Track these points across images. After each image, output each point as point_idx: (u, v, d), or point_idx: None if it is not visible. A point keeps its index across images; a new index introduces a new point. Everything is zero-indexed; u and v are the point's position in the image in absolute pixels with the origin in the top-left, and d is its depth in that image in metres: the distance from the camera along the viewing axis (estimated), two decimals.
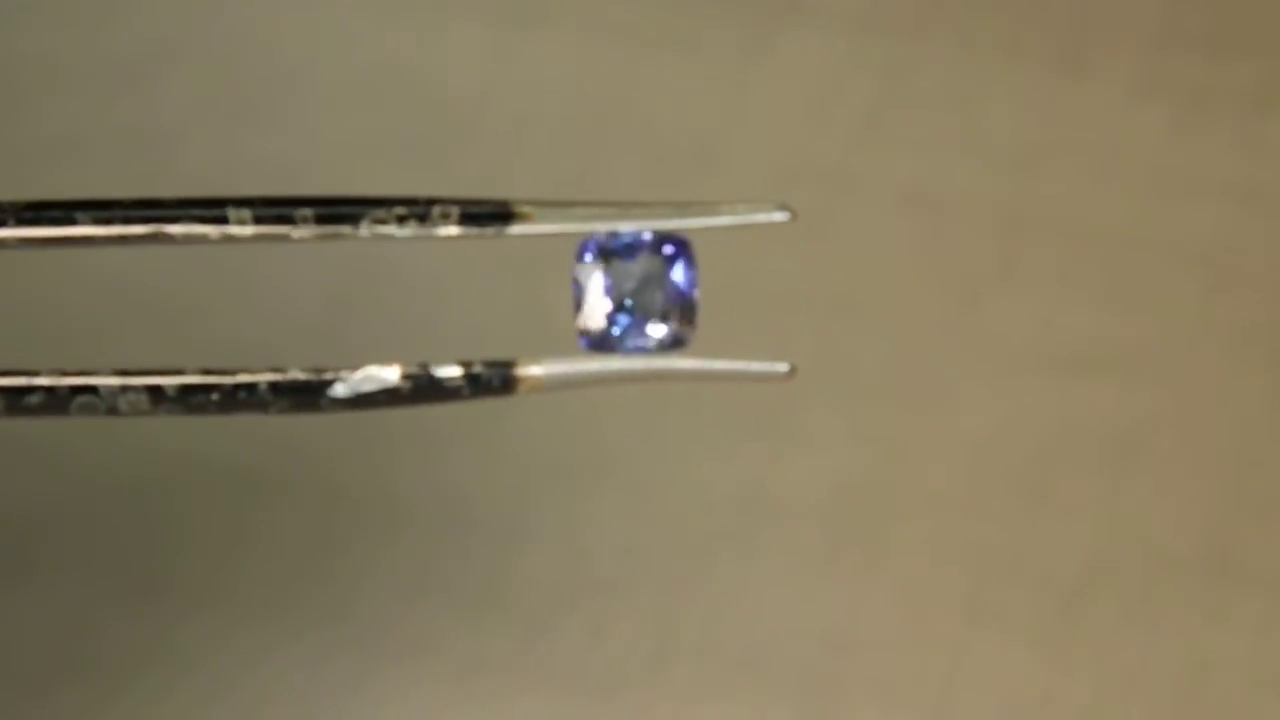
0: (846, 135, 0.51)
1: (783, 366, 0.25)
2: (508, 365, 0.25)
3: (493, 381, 0.25)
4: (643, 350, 0.25)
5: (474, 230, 0.25)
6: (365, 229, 0.25)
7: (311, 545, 0.48)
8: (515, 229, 0.25)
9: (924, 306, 0.50)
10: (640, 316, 0.25)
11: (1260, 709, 0.46)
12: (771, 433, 0.48)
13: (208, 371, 0.25)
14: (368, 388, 0.25)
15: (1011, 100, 0.52)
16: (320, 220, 0.25)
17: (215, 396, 0.25)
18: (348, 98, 0.52)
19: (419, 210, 0.25)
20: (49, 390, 0.25)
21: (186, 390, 0.25)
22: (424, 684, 0.47)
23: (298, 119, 0.51)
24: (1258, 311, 0.49)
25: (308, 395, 0.25)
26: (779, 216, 0.25)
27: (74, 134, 0.51)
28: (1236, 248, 0.50)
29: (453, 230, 0.25)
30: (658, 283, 0.25)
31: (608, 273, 0.25)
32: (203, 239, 0.25)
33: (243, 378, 0.25)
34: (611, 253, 0.25)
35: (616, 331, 0.25)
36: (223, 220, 0.25)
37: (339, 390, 0.25)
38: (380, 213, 0.25)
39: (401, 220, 0.25)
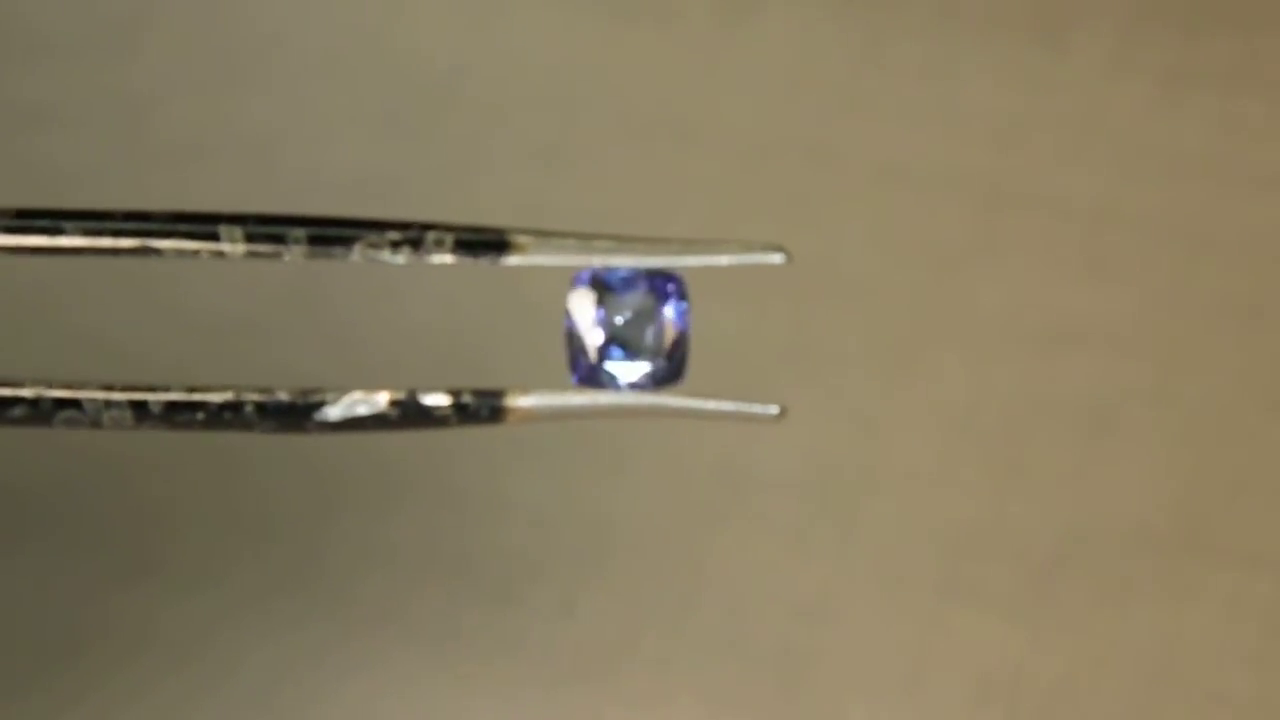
0: (825, 108, 0.51)
1: (773, 409, 0.25)
2: (497, 395, 0.25)
3: (481, 411, 0.25)
4: (633, 386, 0.25)
5: (468, 259, 0.25)
6: (358, 253, 0.25)
7: (281, 516, 0.48)
8: (511, 260, 0.25)
9: (901, 279, 0.50)
10: (632, 351, 0.25)
11: (1232, 683, 0.47)
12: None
13: (193, 389, 0.25)
14: (354, 412, 0.25)
15: (991, 74, 0.51)
16: (313, 241, 0.25)
17: (200, 415, 0.25)
18: (325, 66, 0.51)
19: (413, 236, 0.25)
20: (33, 403, 0.24)
21: (172, 407, 0.25)
22: (394, 654, 0.47)
23: (275, 86, 0.51)
24: (1234, 286, 0.50)
25: (294, 417, 0.25)
26: (775, 258, 0.24)
27: (53, 98, 0.50)
28: (1213, 222, 0.50)
29: (447, 258, 0.25)
30: (650, 318, 0.25)
31: (601, 305, 0.25)
32: (192, 255, 0.25)
33: (229, 396, 0.25)
34: (606, 286, 0.25)
35: (607, 365, 0.25)
36: (214, 237, 0.25)
37: (326, 414, 0.25)
38: (374, 237, 0.25)
39: (395, 246, 0.25)
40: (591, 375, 0.25)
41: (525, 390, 0.25)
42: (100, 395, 0.24)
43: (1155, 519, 0.48)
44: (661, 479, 0.48)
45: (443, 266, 0.25)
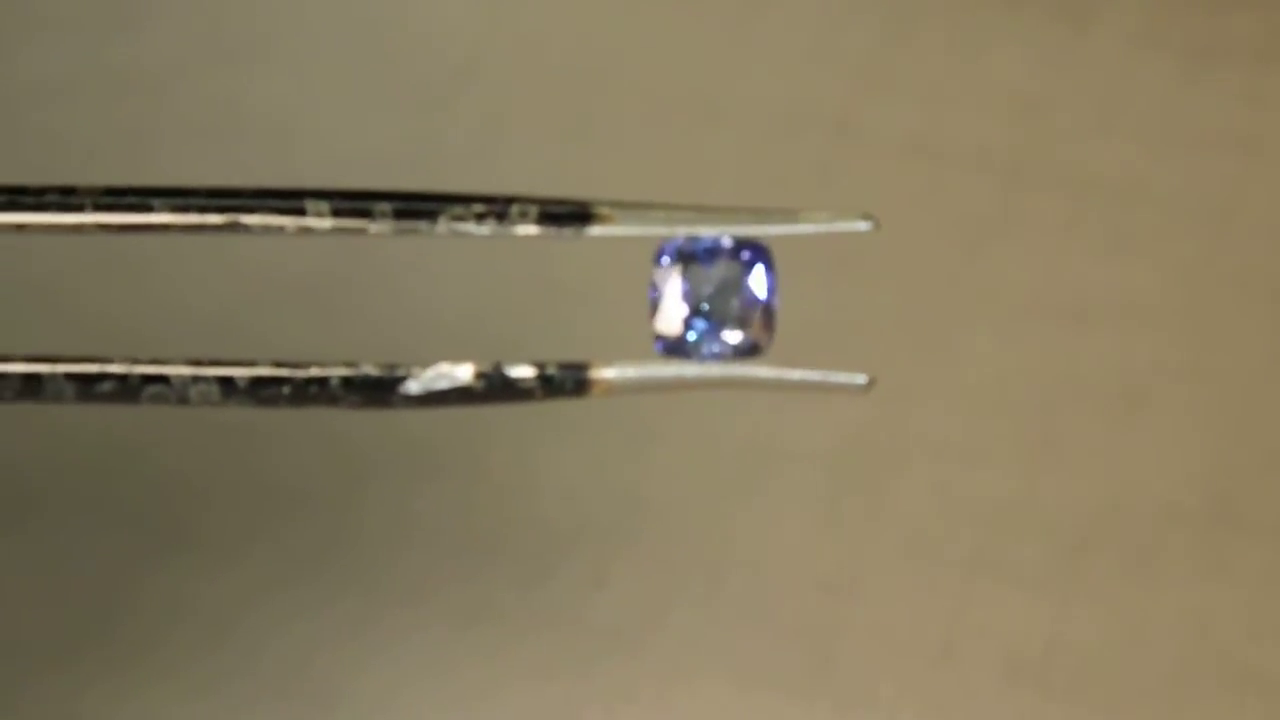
0: (848, 84, 0.51)
1: (861, 378, 0.25)
2: (581, 367, 0.25)
3: (566, 383, 0.25)
4: (718, 357, 0.25)
5: (552, 230, 0.25)
6: (443, 225, 0.25)
7: (311, 491, 0.48)
8: (594, 230, 0.25)
9: (927, 256, 0.50)
10: (717, 322, 0.25)
11: (1262, 659, 0.47)
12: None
13: (280, 364, 0.25)
14: (440, 385, 0.25)
15: (1014, 50, 0.51)
16: (398, 215, 0.25)
17: (286, 390, 0.25)
18: (341, 45, 0.51)
19: (497, 208, 0.25)
20: (121, 379, 0.24)
21: (258, 382, 0.25)
22: (424, 629, 0.47)
23: (290, 65, 0.51)
24: (1260, 261, 0.50)
25: (379, 392, 0.25)
26: (862, 226, 0.25)
27: (63, 76, 0.50)
28: (1238, 197, 0.50)
29: (531, 230, 0.25)
30: (735, 289, 0.25)
31: (686, 277, 0.25)
32: (279, 230, 0.25)
33: (315, 371, 0.25)
34: (690, 257, 0.25)
35: (692, 336, 0.25)
36: (300, 212, 0.25)
37: (411, 387, 0.25)
38: (459, 209, 0.25)
39: (480, 218, 0.25)
40: (676, 347, 0.25)
41: (610, 362, 0.25)
42: (188, 370, 0.25)
43: (1185, 494, 0.48)
44: (691, 453, 0.48)
45: (527, 238, 0.25)
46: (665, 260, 0.25)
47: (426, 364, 0.25)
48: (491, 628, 0.47)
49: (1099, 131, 0.51)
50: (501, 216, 0.25)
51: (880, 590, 0.47)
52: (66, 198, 0.24)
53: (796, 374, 0.25)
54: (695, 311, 0.25)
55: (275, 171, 0.50)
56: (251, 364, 0.25)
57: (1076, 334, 0.49)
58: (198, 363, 0.25)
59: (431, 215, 0.25)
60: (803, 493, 0.48)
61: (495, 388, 0.25)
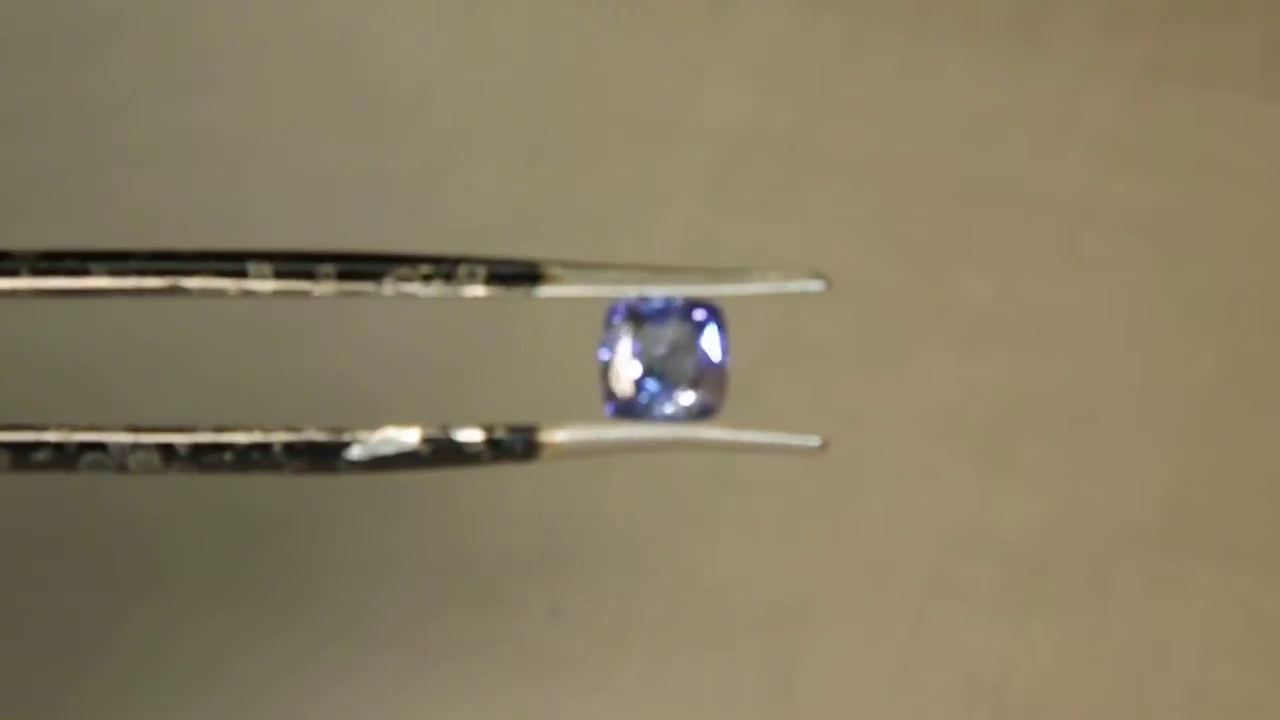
0: (804, 106, 0.51)
1: (814, 440, 0.24)
2: (531, 430, 0.25)
3: (515, 447, 0.24)
4: (671, 418, 0.25)
5: (501, 291, 0.24)
6: (389, 287, 0.24)
7: (265, 523, 0.47)
8: (544, 291, 0.24)
9: (883, 277, 0.50)
10: (669, 383, 0.25)
11: (1219, 678, 0.47)
12: (732, 404, 0.48)
13: (221, 429, 0.24)
14: (386, 450, 0.24)
15: (969, 71, 0.51)
16: (342, 277, 0.24)
17: (228, 456, 0.24)
18: (297, 68, 0.51)
19: (445, 269, 0.24)
20: (57, 447, 0.24)
21: (199, 449, 0.24)
22: (378, 658, 0.47)
23: (246, 89, 0.50)
24: (1212, 281, 0.50)
25: (324, 457, 0.24)
26: (814, 286, 0.24)
27: (18, 104, 0.50)
28: (1190, 218, 0.50)
29: (479, 291, 0.24)
30: (688, 350, 0.25)
31: (637, 337, 0.25)
32: (220, 294, 0.24)
33: (257, 437, 0.24)
34: (642, 317, 0.25)
35: (644, 398, 0.25)
36: (242, 274, 0.24)
37: (356, 453, 0.24)
38: (405, 270, 0.24)
39: (426, 279, 0.24)
40: (628, 409, 0.25)
41: (560, 424, 0.24)
42: (127, 438, 0.24)
43: (1140, 515, 0.48)
44: (648, 480, 0.48)
45: (474, 299, 0.24)
46: (616, 320, 0.25)
47: (372, 428, 0.24)
48: (447, 657, 0.47)
49: (1053, 152, 0.51)
50: (449, 277, 0.24)
51: (837, 615, 0.47)
52: (1, 262, 0.23)
53: (750, 435, 0.24)
54: (647, 372, 0.25)
55: (228, 199, 0.50)
56: (192, 430, 0.24)
57: (1031, 355, 0.49)
58: (136, 429, 0.24)
59: (377, 276, 0.24)
60: (759, 519, 0.48)
61: (442, 452, 0.24)
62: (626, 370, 0.25)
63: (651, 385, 0.25)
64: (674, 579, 0.47)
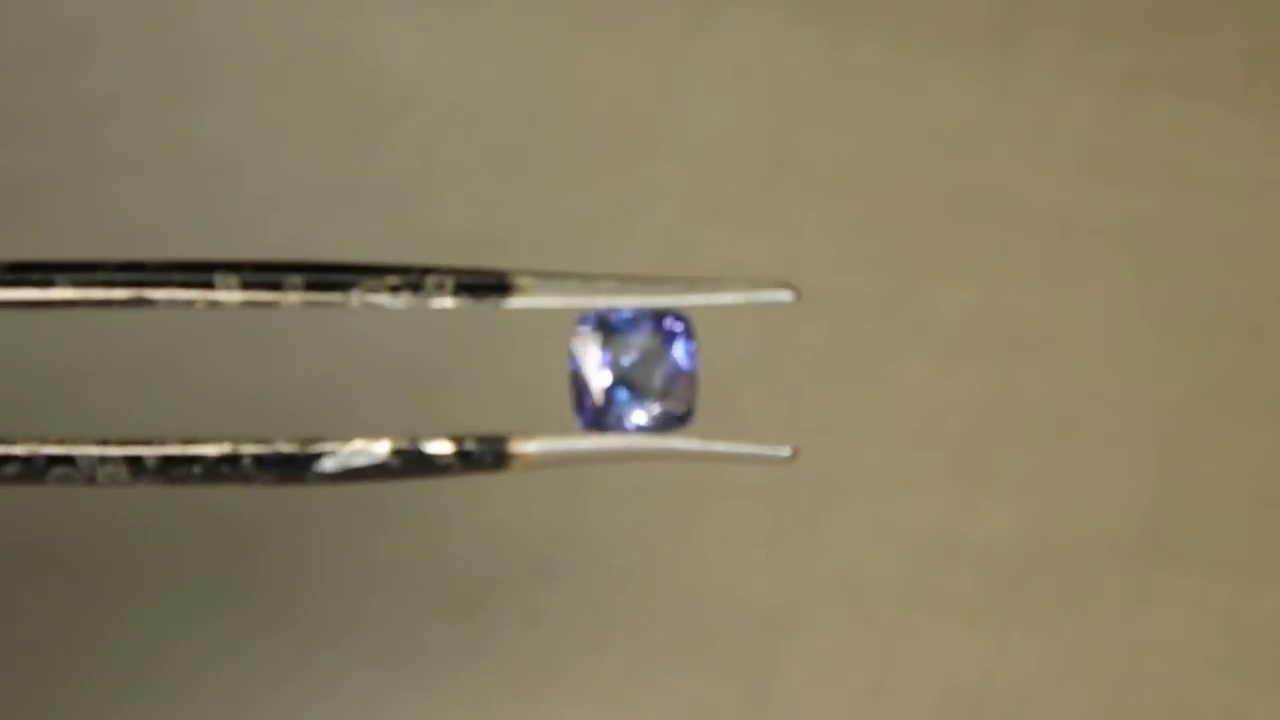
0: (783, 116, 0.51)
1: (784, 451, 0.24)
2: (500, 441, 0.25)
3: (485, 458, 0.24)
4: (640, 429, 0.25)
5: (469, 302, 0.24)
6: (356, 298, 0.24)
7: (251, 533, 0.47)
8: (513, 302, 0.24)
9: (863, 286, 0.50)
10: (639, 393, 0.25)
11: (1196, 687, 0.47)
12: (710, 414, 0.48)
13: (190, 441, 0.24)
14: (356, 462, 0.24)
15: (949, 81, 0.51)
16: (310, 288, 0.24)
17: (197, 469, 0.24)
18: (281, 75, 0.51)
19: (413, 279, 0.24)
20: (25, 460, 0.24)
21: (168, 462, 0.24)
22: (357, 667, 0.47)
23: (231, 95, 0.50)
24: (1191, 290, 0.50)
25: (294, 469, 0.24)
26: (784, 296, 0.24)
27: (4, 107, 0.50)
28: (1168, 228, 0.50)
29: (447, 302, 0.24)
30: (658, 359, 0.25)
31: (606, 347, 0.25)
32: (187, 305, 0.24)
33: (227, 449, 0.24)
34: (611, 327, 0.25)
35: (615, 408, 0.25)
36: (209, 285, 0.24)
37: (326, 465, 0.24)
38: (373, 282, 0.24)
39: (395, 290, 0.24)
40: (598, 419, 0.25)
41: (530, 436, 0.24)
42: (95, 451, 0.24)
43: (1118, 524, 0.48)
44: (626, 488, 0.48)
45: (443, 310, 0.24)
46: (585, 330, 0.25)
47: (342, 439, 0.24)
48: (425, 665, 0.47)
49: (1032, 162, 0.51)
50: (417, 288, 0.24)
51: (816, 624, 0.47)
52: None
53: (721, 446, 0.24)
54: (617, 382, 0.25)
55: (212, 205, 0.50)
56: (161, 442, 0.24)
57: (1010, 364, 0.49)
58: (105, 442, 0.24)
59: (344, 287, 0.24)
60: (738, 527, 0.48)
61: (412, 464, 0.24)
62: (596, 380, 0.25)
63: (621, 395, 0.25)
64: (653, 588, 0.47)
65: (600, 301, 0.24)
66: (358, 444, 0.24)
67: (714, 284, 0.24)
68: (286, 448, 0.24)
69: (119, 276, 0.24)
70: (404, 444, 0.24)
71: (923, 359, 0.49)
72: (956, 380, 0.49)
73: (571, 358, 0.25)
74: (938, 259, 0.50)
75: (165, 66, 0.51)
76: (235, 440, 0.24)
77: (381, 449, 0.24)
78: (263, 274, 0.24)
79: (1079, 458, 0.48)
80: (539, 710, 0.47)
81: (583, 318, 0.25)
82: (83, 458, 0.24)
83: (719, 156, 0.50)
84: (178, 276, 0.24)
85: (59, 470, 0.24)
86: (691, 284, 0.24)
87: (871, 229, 0.50)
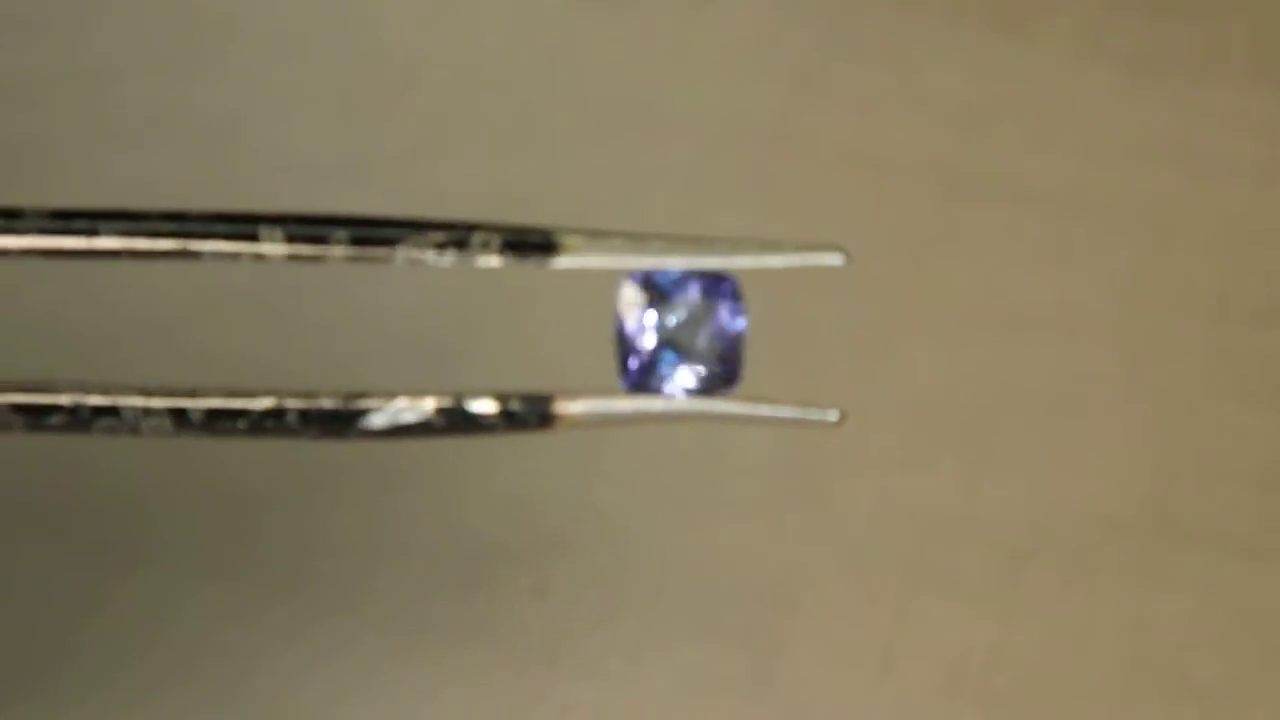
0: (787, 93, 0.51)
1: (833, 414, 0.24)
2: (545, 400, 0.24)
3: (529, 418, 0.24)
4: (686, 391, 0.25)
5: (515, 261, 0.24)
6: (401, 254, 0.24)
7: (241, 500, 0.47)
8: (559, 262, 0.24)
9: (866, 265, 0.50)
10: (684, 355, 0.25)
11: (1201, 666, 0.47)
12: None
13: (235, 394, 0.24)
14: (400, 419, 0.24)
15: (953, 60, 0.51)
16: (355, 243, 0.24)
17: (242, 423, 0.24)
18: (285, 45, 0.50)
19: (458, 236, 0.24)
20: (71, 410, 0.24)
21: (213, 415, 0.24)
22: (363, 639, 0.46)
23: (235, 67, 0.50)
24: (1197, 271, 0.50)
25: (337, 425, 0.24)
26: (832, 259, 0.24)
27: (7, 75, 0.49)
28: (1179, 208, 0.50)
29: (493, 261, 0.24)
30: (704, 321, 0.25)
31: (652, 307, 0.25)
32: (232, 258, 0.24)
33: (271, 403, 0.24)
34: (657, 288, 0.25)
35: (659, 369, 0.25)
36: (254, 238, 0.24)
37: (371, 421, 0.24)
38: (418, 238, 0.24)
39: (440, 247, 0.24)
40: (643, 380, 0.25)
41: (574, 396, 0.24)
42: (139, 402, 0.24)
43: (1123, 504, 0.48)
44: (633, 462, 0.48)
45: (488, 268, 0.24)
46: (632, 291, 0.25)
47: (386, 396, 0.24)
48: (432, 637, 0.47)
49: (1039, 142, 0.51)
50: (462, 245, 0.24)
51: (821, 600, 0.47)
52: (11, 221, 0.23)
53: (766, 409, 0.24)
54: (663, 343, 0.25)
55: (215, 176, 0.50)
56: (207, 395, 0.24)
57: (1017, 344, 0.49)
58: (149, 393, 0.24)
59: (390, 243, 0.24)
60: (744, 502, 0.48)
61: (456, 422, 0.24)
62: (641, 341, 0.24)
63: (667, 356, 0.24)
64: (661, 562, 0.47)
65: (648, 262, 0.24)
66: (402, 401, 0.24)
67: (763, 245, 0.24)
68: (331, 403, 0.24)
69: (164, 227, 0.24)
70: (448, 402, 0.24)
71: (929, 338, 0.49)
72: (962, 359, 0.49)
73: (616, 318, 0.25)
74: (943, 239, 0.50)
75: (169, 35, 0.51)
76: (280, 394, 0.24)
77: (427, 406, 0.24)
78: (308, 227, 0.24)
79: (1084, 437, 0.48)
80: (545, 681, 0.47)
81: (629, 278, 0.25)
82: (127, 409, 0.24)
83: (722, 133, 0.50)
84: (223, 229, 0.24)
85: (104, 421, 0.24)
86: (740, 245, 0.24)
87: (876, 208, 0.50)
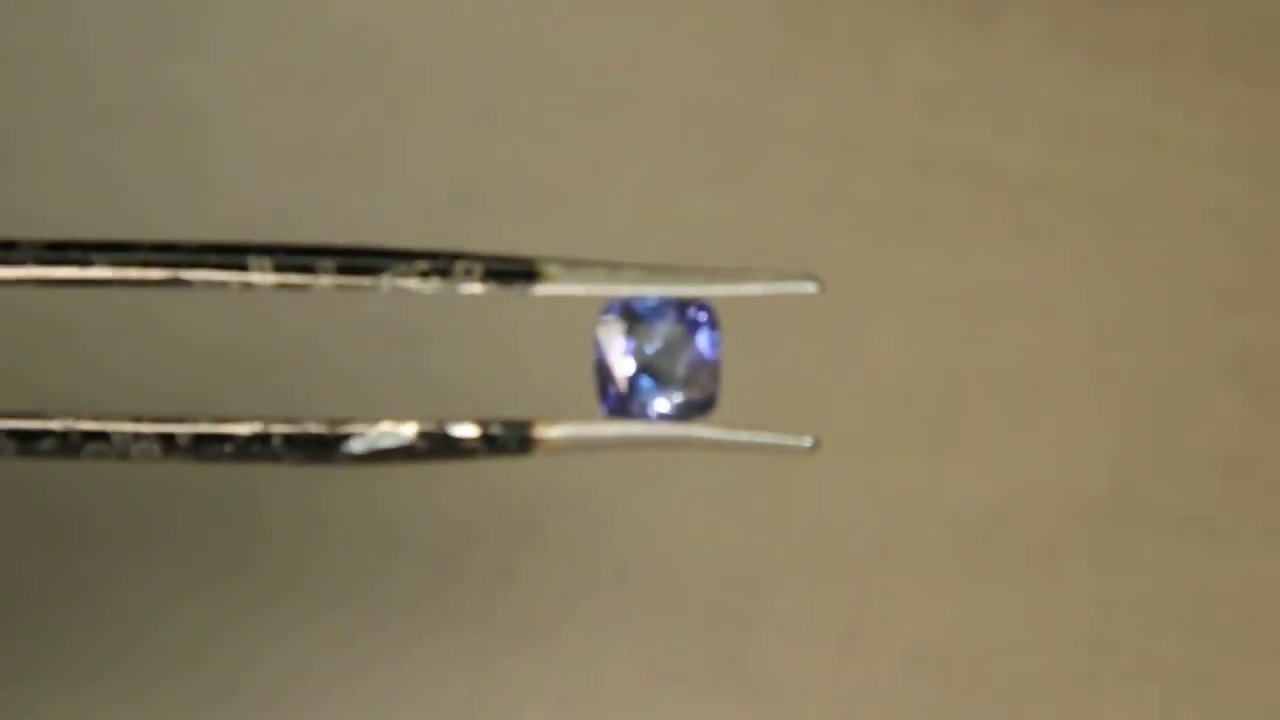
0: (756, 76, 0.51)
1: (807, 441, 0.25)
2: (525, 426, 0.25)
3: (510, 442, 0.25)
4: (663, 416, 0.25)
5: (497, 288, 0.25)
6: (386, 282, 0.25)
7: (213, 488, 0.47)
8: (540, 289, 0.25)
9: (833, 247, 0.50)
10: (662, 381, 0.25)
11: (1163, 649, 0.47)
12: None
13: (221, 420, 0.25)
14: (383, 444, 0.25)
15: (921, 44, 0.51)
16: (341, 271, 0.25)
17: (228, 447, 0.25)
18: (258, 28, 0.50)
19: (442, 265, 0.25)
20: (61, 435, 0.24)
21: (200, 440, 0.24)
22: (329, 624, 0.47)
23: (208, 48, 0.50)
24: (1162, 254, 0.50)
25: (322, 450, 0.25)
26: (808, 287, 0.25)
27: None
28: (1142, 192, 0.51)
29: (475, 288, 0.25)
30: (682, 348, 0.25)
31: (631, 335, 0.25)
32: (221, 286, 0.24)
33: (257, 428, 0.25)
34: (635, 315, 0.25)
35: (637, 396, 0.25)
36: (243, 267, 0.24)
37: (354, 446, 0.25)
38: (403, 267, 0.25)
39: (424, 275, 0.25)
40: (621, 406, 0.25)
41: (554, 421, 0.25)
42: (129, 427, 0.24)
43: (1087, 486, 0.48)
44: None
45: (470, 296, 0.25)
46: (610, 318, 0.25)
47: (369, 421, 0.25)
48: (398, 622, 0.47)
49: (1004, 126, 0.51)
50: (446, 273, 0.25)
51: (785, 582, 0.48)
52: (6, 252, 0.24)
53: (743, 435, 0.25)
54: (640, 370, 0.25)
55: (182, 160, 0.50)
56: (194, 420, 0.24)
57: (980, 326, 0.49)
58: (139, 419, 0.24)
59: (375, 272, 0.25)
60: (709, 485, 0.48)
61: (438, 447, 0.25)
62: (620, 367, 0.25)
63: (645, 382, 0.25)
64: (625, 544, 0.48)
65: (626, 290, 0.25)
66: (385, 426, 0.25)
67: (739, 274, 0.25)
68: (315, 428, 0.25)
69: (155, 257, 0.24)
70: (430, 427, 0.25)
71: (893, 320, 0.49)
72: (927, 341, 0.49)
73: (596, 345, 0.25)
74: (909, 221, 0.50)
75: (142, 19, 0.50)
76: (266, 420, 0.24)
77: (408, 431, 0.25)
78: (296, 257, 0.24)
79: (1048, 419, 0.49)
80: (512, 667, 0.47)
81: (608, 306, 0.25)
82: (117, 434, 0.24)
83: (691, 115, 0.51)
84: (213, 258, 0.24)
85: (94, 446, 0.24)
86: (717, 274, 0.25)
87: (844, 191, 0.50)
